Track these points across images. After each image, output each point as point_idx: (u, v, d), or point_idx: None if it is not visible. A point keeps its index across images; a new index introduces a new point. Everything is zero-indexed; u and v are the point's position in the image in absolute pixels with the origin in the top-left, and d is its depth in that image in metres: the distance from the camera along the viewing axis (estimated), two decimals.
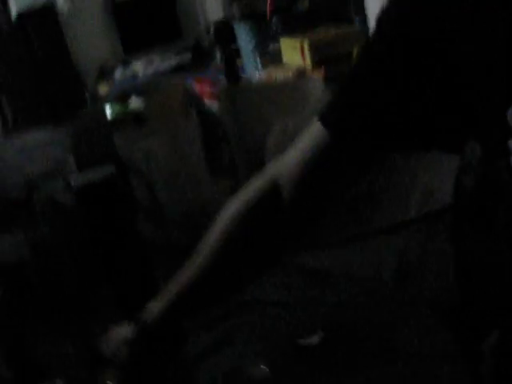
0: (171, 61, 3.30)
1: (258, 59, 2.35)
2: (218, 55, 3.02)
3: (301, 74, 1.98)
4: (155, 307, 0.88)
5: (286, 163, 0.78)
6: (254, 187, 0.81)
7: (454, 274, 1.37)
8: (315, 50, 2.03)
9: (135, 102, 2.18)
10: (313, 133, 0.76)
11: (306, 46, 2.05)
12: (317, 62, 2.05)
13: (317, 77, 1.79)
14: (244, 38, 2.51)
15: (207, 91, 2.00)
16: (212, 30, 3.58)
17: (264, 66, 2.30)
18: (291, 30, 2.34)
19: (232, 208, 0.82)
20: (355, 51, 1.95)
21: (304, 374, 1.03)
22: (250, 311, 1.18)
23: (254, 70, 2.23)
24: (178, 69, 3.29)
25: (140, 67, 3.21)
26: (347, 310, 1.16)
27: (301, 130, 1.64)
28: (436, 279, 1.37)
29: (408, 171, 1.64)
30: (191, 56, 3.59)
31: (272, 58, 2.33)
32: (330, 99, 0.75)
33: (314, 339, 1.08)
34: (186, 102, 2.05)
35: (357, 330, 1.11)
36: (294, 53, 2.13)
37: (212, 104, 2.05)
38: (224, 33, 3.25)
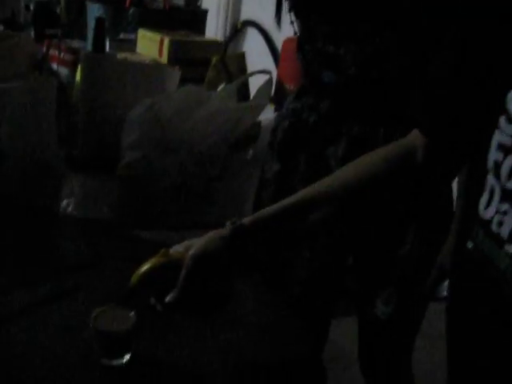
0: None
1: (107, 43, 2.35)
2: (32, 33, 2.95)
3: (158, 63, 2.03)
4: (259, 213, 0.91)
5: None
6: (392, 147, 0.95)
7: None
8: (175, 47, 2.10)
9: None
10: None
11: (166, 42, 2.11)
12: (172, 60, 2.12)
13: (175, 69, 1.84)
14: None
15: (61, 57, 1.95)
16: (32, 7, 3.48)
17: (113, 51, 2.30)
18: (148, 24, 2.38)
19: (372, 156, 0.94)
20: (213, 59, 2.06)
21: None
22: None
23: None
24: None
25: None
26: None
27: (165, 109, 1.67)
28: None
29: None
30: (3, 28, 3.47)
31: (123, 45, 2.34)
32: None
33: None
34: (35, 58, 1.97)
35: None
36: (151, 46, 2.17)
37: (61, 70, 2.00)
38: (43, 13, 3.20)
